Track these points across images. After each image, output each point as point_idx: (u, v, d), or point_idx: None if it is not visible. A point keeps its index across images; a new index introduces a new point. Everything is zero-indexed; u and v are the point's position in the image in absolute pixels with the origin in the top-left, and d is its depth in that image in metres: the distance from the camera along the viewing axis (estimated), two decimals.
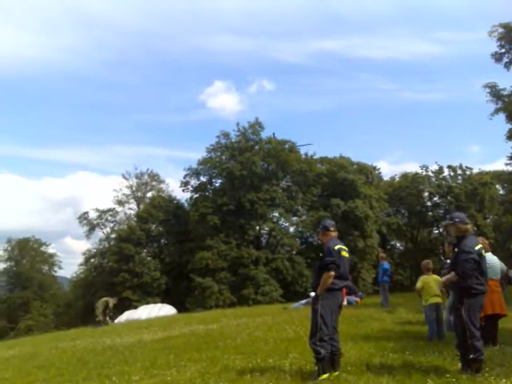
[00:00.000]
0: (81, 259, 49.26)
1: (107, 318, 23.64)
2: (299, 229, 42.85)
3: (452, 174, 48.73)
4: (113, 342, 13.32)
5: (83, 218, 51.77)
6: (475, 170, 49.39)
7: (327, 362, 5.89)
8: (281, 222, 43.05)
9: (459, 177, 48.63)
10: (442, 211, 47.89)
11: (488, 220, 49.52)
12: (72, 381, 7.99)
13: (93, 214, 51.66)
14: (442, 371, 5.86)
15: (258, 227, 41.47)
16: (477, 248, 5.80)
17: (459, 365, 5.86)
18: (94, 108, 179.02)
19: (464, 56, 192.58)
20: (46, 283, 59.93)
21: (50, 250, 63.75)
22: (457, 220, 5.96)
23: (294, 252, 41.49)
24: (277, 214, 42.62)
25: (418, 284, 9.09)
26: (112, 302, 24.13)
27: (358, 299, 19.68)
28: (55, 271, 63.28)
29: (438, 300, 8.90)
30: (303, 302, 21.00)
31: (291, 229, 43.47)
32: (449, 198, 47.05)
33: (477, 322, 5.64)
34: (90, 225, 51.40)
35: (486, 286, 5.91)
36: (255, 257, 38.36)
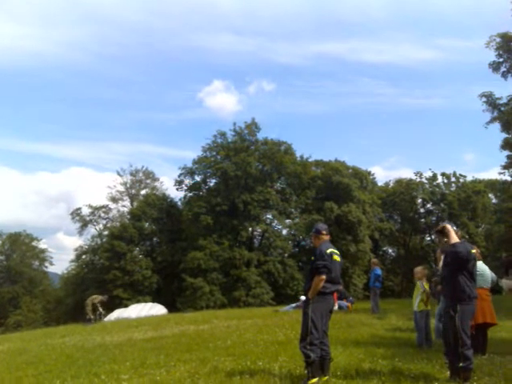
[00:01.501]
0: (72, 255, 49.14)
1: (97, 315, 23.53)
2: (292, 231, 42.87)
3: (446, 181, 49.03)
4: (102, 340, 13.27)
5: (76, 214, 51.67)
6: (469, 178, 49.88)
7: (317, 366, 5.89)
8: (274, 224, 43.04)
9: (453, 184, 48.92)
10: (434, 218, 48.14)
11: (480, 229, 49.82)
12: (60, 378, 7.96)
13: (86, 210, 51.68)
14: (430, 379, 5.89)
15: (250, 228, 41.43)
16: (471, 252, 5.86)
17: (448, 373, 5.90)
18: (91, 103, 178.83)
19: (463, 63, 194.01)
20: (37, 279, 59.60)
21: (42, 245, 63.56)
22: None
23: (286, 255, 41.48)
24: (270, 216, 42.62)
25: (427, 287, 9.03)
26: (100, 299, 24.00)
27: (348, 304, 19.70)
28: (46, 267, 63.03)
29: (429, 307, 8.96)
30: (293, 305, 21.03)
31: (284, 231, 43.49)
32: (442, 205, 47.29)
33: (468, 331, 5.68)
34: (82, 221, 51.32)
35: (476, 292, 5.96)
36: (247, 258, 38.33)
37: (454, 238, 5.84)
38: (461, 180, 48.90)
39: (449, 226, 5.94)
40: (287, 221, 43.61)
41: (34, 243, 62.26)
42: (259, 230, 41.98)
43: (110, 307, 26.97)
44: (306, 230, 39.72)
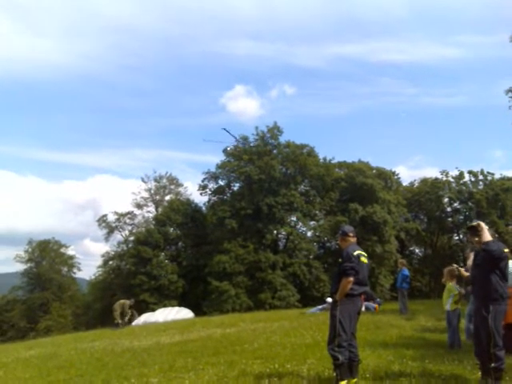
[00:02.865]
0: (99, 261, 49.81)
1: (126, 319, 23.89)
2: (317, 233, 42.67)
3: (473, 179, 48.09)
4: (131, 344, 13.42)
5: (102, 220, 52.41)
6: (497, 176, 48.68)
7: (345, 369, 5.86)
8: (298, 227, 42.89)
9: (480, 182, 47.97)
10: (462, 217, 47.30)
11: (510, 227, 48.66)
12: (92, 382, 8.08)
13: (112, 217, 52.30)
14: (462, 380, 5.82)
15: (275, 231, 41.35)
16: (505, 251, 5.76)
17: (479, 374, 5.80)
18: (115, 112, 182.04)
19: (485, 59, 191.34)
20: (66, 284, 60.50)
21: (70, 251, 64.46)
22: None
23: (312, 257, 41.31)
24: (294, 219, 42.48)
25: (462, 290, 8.95)
26: (129, 303, 24.39)
27: (376, 305, 19.53)
28: (74, 273, 63.83)
29: (459, 306, 8.85)
30: (320, 307, 20.95)
31: (309, 233, 43.31)
32: (469, 203, 46.45)
33: (500, 330, 5.59)
34: (108, 227, 51.97)
35: (508, 291, 5.85)
36: (272, 261, 38.27)
37: (487, 237, 5.73)
38: (489, 178, 47.90)
39: (483, 224, 5.85)
40: (311, 223, 43.43)
41: (62, 250, 63.15)
42: (284, 233, 41.87)
43: (137, 311, 27.23)
44: (330, 231, 39.51)
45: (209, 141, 46.63)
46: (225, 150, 44.46)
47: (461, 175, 48.09)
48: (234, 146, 43.99)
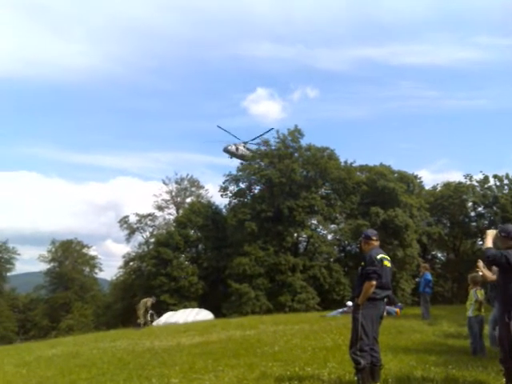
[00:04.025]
0: (121, 262, 50.31)
1: (148, 318, 24.19)
2: (337, 237, 42.45)
3: (498, 183, 47.19)
4: (152, 345, 13.50)
5: (124, 221, 52.93)
6: None
7: (367, 373, 5.81)
8: (319, 230, 42.70)
9: (506, 187, 47.05)
10: (486, 222, 46.44)
11: None
12: (113, 381, 8.16)
13: (133, 219, 52.80)
14: None
15: (295, 234, 41.24)
16: None
17: (503, 380, 5.70)
18: (137, 115, 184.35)
19: (508, 62, 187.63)
20: (87, 284, 61.39)
21: (92, 252, 65.35)
22: (503, 234, 5.80)
23: (332, 260, 41.08)
24: (315, 222, 42.32)
25: (480, 296, 8.80)
26: (151, 301, 24.75)
27: (397, 310, 19.34)
28: (96, 273, 64.78)
29: (483, 313, 8.70)
30: (340, 310, 20.83)
31: (329, 236, 43.09)
32: (494, 208, 45.61)
33: None
34: (130, 229, 52.46)
35: None
36: (292, 264, 38.16)
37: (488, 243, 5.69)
38: None
39: (488, 231, 5.81)
40: (332, 226, 43.19)
41: (84, 250, 64.15)
42: (304, 236, 41.74)
43: (157, 311, 27.42)
44: (351, 235, 39.26)
45: (210, 142, 48.14)
46: (225, 149, 45.39)
47: (485, 179, 47.22)
48: (235, 144, 44.40)
